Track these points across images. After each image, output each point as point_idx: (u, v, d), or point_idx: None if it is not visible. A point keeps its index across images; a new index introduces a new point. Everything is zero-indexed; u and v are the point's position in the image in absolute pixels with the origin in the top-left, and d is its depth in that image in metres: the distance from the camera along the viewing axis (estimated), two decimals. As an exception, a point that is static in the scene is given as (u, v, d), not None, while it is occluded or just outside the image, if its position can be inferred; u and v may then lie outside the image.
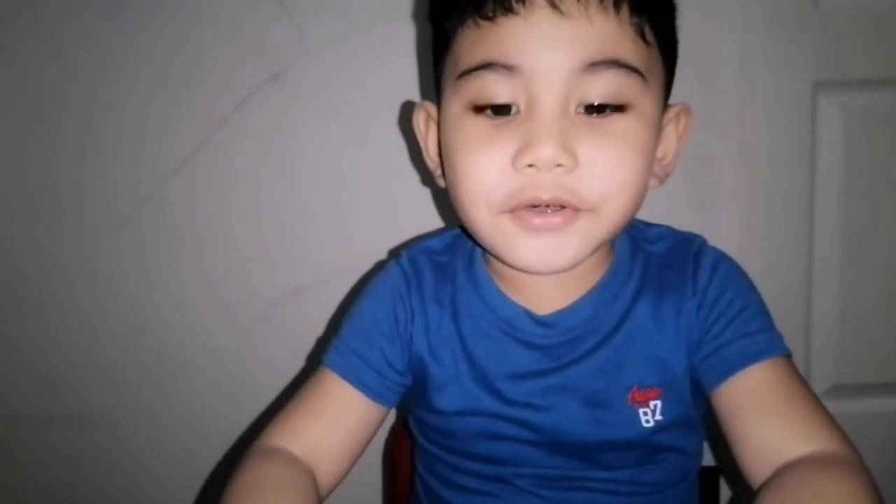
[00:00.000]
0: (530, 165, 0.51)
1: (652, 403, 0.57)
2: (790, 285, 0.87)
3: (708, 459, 0.77)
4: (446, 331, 0.61)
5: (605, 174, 0.51)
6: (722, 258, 0.60)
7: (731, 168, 0.83)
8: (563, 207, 0.52)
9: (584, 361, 0.58)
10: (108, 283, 0.84)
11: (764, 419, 0.53)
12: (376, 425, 0.62)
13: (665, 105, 0.57)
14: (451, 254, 0.64)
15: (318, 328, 0.84)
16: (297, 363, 0.86)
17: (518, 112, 0.52)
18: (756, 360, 0.55)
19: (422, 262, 0.64)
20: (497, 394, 0.59)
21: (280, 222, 0.83)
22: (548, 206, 0.52)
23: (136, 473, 0.90)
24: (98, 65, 0.79)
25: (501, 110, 0.52)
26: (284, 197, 0.82)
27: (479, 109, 0.53)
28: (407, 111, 0.69)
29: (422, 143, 0.62)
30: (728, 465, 0.83)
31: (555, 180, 0.51)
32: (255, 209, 0.83)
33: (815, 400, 0.54)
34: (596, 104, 0.51)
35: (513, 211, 0.53)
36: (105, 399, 0.87)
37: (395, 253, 0.67)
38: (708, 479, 0.81)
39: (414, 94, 0.79)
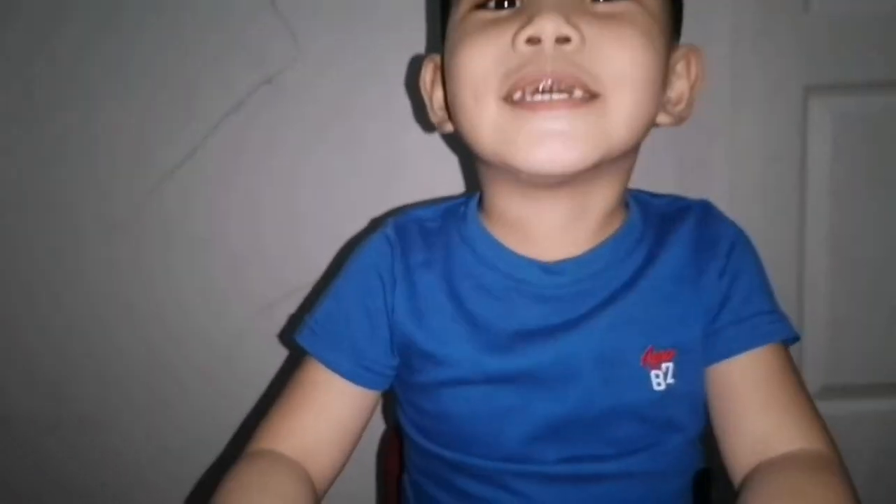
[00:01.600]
0: (530, 41, 0.49)
1: (664, 366, 0.55)
2: (781, 287, 0.85)
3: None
4: (438, 295, 0.58)
5: (615, 54, 0.49)
6: (741, 229, 0.59)
7: (722, 171, 0.83)
8: (569, 95, 0.49)
9: (595, 317, 0.55)
10: (104, 285, 0.84)
11: (755, 410, 0.53)
12: (367, 411, 0.60)
13: (673, 41, 0.56)
14: (442, 220, 0.62)
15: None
16: (294, 364, 0.86)
17: (521, 6, 0.51)
18: (763, 341, 0.54)
19: (409, 228, 0.61)
20: (502, 353, 0.55)
21: (276, 224, 0.83)
22: (552, 90, 0.49)
23: (133, 474, 0.90)
24: (95, 69, 0.79)
25: (505, 2, 0.52)
26: (280, 199, 0.83)
27: (481, 5, 0.53)
28: (414, 69, 0.68)
29: (426, 99, 0.61)
30: (718, 466, 0.84)
31: (559, 56, 0.49)
32: (251, 211, 0.83)
33: (806, 394, 0.54)
34: None
35: (516, 100, 0.50)
36: (101, 400, 0.88)
37: (378, 221, 0.66)
38: (699, 480, 0.81)
39: (410, 94, 0.80)
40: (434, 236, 0.61)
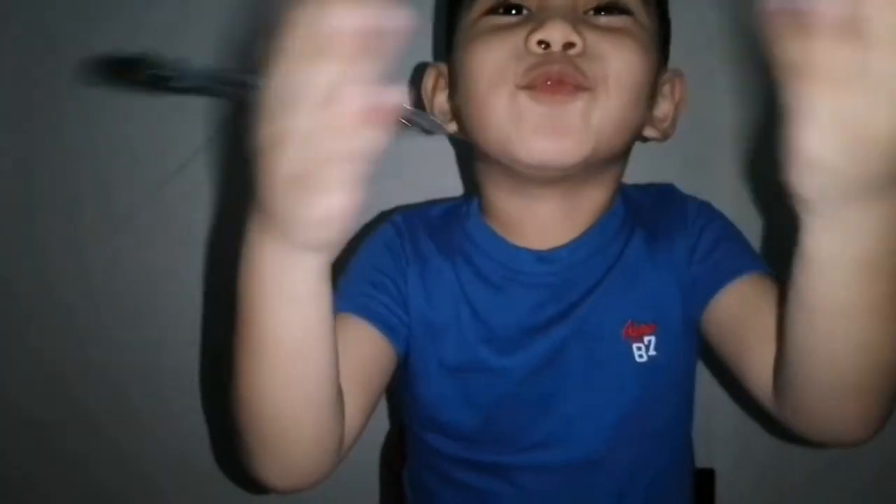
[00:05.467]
0: (541, 43, 0.54)
1: (646, 339, 0.58)
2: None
3: (702, 461, 0.77)
4: (446, 276, 0.61)
5: (610, 56, 0.55)
6: (705, 202, 0.64)
7: (725, 170, 0.84)
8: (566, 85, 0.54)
9: (585, 302, 0.59)
10: (107, 286, 0.85)
11: (767, 325, 0.52)
12: (387, 360, 0.58)
13: (662, 63, 0.61)
14: (444, 218, 0.66)
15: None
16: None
17: (530, 13, 0.57)
18: (746, 271, 0.57)
19: (416, 220, 0.65)
20: (500, 351, 0.59)
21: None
22: (558, 84, 0.54)
23: (135, 473, 0.90)
24: (98, 68, 0.79)
25: (513, 10, 0.57)
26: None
27: (492, 11, 0.58)
28: (417, 75, 0.70)
29: (427, 104, 0.65)
30: (722, 466, 0.84)
31: (564, 58, 0.54)
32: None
33: None
34: (604, 3, 0.57)
35: (525, 87, 0.54)
36: (104, 400, 0.88)
37: (387, 214, 0.68)
38: (702, 481, 0.81)
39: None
40: (439, 228, 0.64)
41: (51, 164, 0.82)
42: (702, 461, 0.76)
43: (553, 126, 0.54)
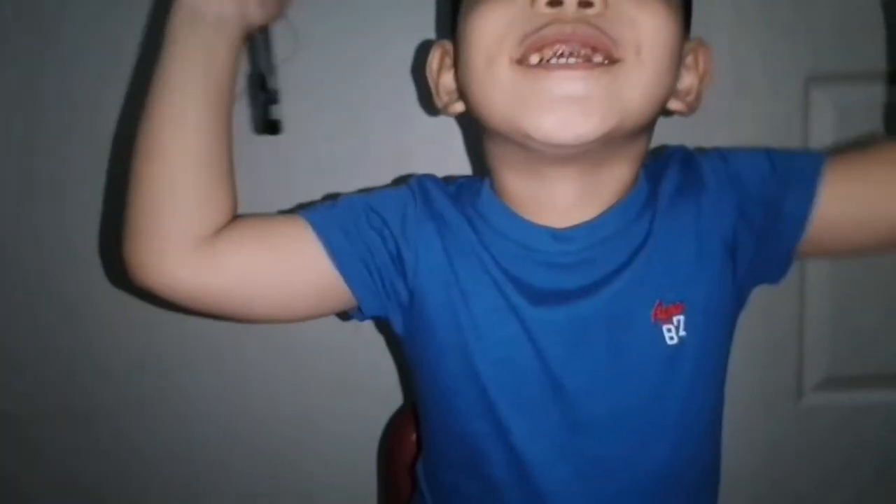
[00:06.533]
0: (552, 3, 0.49)
1: (675, 318, 0.55)
2: None
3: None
4: (468, 236, 0.57)
5: (640, 19, 0.49)
6: (715, 151, 0.59)
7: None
8: (587, 60, 0.49)
9: (606, 285, 0.55)
10: (110, 283, 0.85)
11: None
12: (320, 291, 0.58)
13: (687, 29, 0.56)
14: (457, 192, 0.61)
15: (321, 323, 0.85)
16: (299, 362, 0.86)
17: None
18: (817, 163, 0.55)
19: (431, 185, 0.61)
20: (518, 313, 0.55)
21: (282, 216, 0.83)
22: (570, 54, 0.49)
23: (135, 471, 0.90)
24: (103, 63, 0.79)
25: None
26: (283, 192, 0.83)
27: None
28: (421, 56, 0.68)
29: (432, 84, 0.61)
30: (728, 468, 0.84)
31: (581, 18, 0.49)
32: (254, 206, 0.83)
33: None
34: None
35: (530, 59, 0.50)
36: (106, 395, 0.88)
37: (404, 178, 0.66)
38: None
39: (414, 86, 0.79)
40: (454, 198, 0.60)
41: (54, 161, 0.82)
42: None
43: (568, 102, 0.49)
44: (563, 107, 0.49)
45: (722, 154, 0.58)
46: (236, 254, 0.55)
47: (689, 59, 0.57)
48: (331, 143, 0.82)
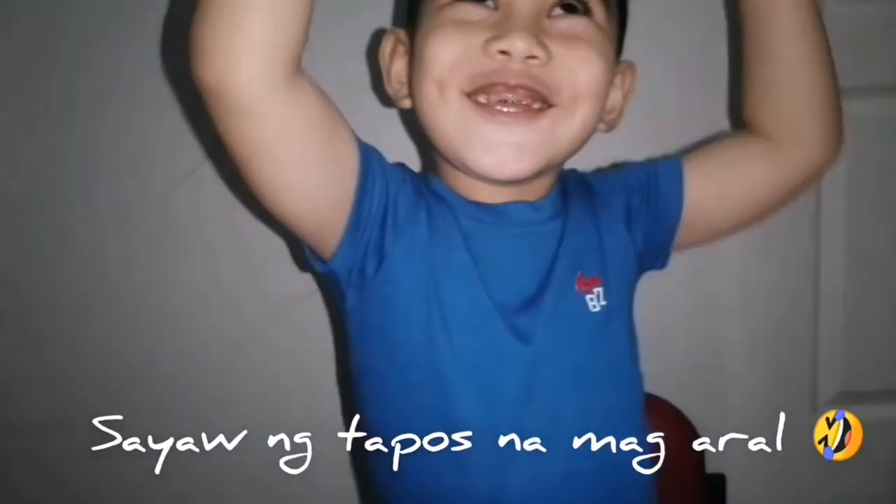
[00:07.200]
0: (502, 52, 0.54)
1: (595, 290, 0.60)
2: (797, 293, 0.87)
3: (713, 467, 0.77)
4: (449, 222, 0.59)
5: (575, 71, 0.56)
6: (594, 174, 0.69)
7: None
8: (526, 107, 0.55)
9: (556, 260, 0.60)
10: (116, 288, 0.85)
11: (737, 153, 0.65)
12: (341, 153, 0.55)
13: (617, 55, 0.62)
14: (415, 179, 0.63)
15: (326, 334, 0.85)
16: (306, 368, 0.86)
17: (496, 8, 0.56)
18: (681, 160, 0.65)
19: (409, 172, 0.63)
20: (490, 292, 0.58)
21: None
22: (513, 103, 0.55)
23: (138, 477, 0.90)
24: (108, 72, 0.80)
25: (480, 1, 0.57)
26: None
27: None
28: (376, 41, 0.69)
29: (384, 70, 0.64)
30: (733, 471, 0.84)
31: (525, 70, 0.54)
32: (262, 213, 0.83)
33: None
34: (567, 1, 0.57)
35: (478, 97, 0.55)
36: (110, 404, 0.88)
37: None
38: (714, 486, 0.81)
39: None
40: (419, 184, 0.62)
41: (60, 168, 0.82)
42: (713, 467, 0.76)
43: (506, 147, 0.55)
44: (500, 150, 0.56)
45: (603, 173, 0.69)
46: (310, 104, 0.51)
47: (616, 79, 0.62)
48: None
